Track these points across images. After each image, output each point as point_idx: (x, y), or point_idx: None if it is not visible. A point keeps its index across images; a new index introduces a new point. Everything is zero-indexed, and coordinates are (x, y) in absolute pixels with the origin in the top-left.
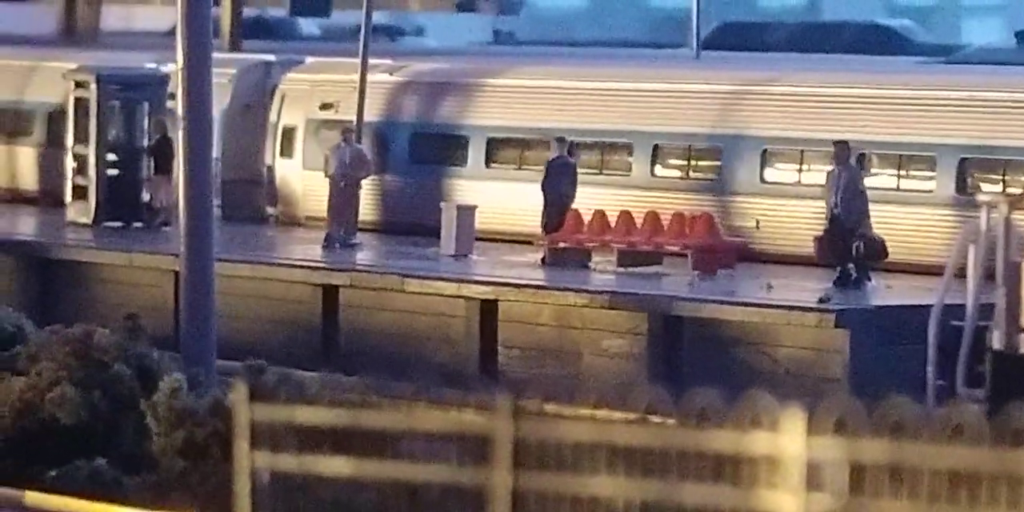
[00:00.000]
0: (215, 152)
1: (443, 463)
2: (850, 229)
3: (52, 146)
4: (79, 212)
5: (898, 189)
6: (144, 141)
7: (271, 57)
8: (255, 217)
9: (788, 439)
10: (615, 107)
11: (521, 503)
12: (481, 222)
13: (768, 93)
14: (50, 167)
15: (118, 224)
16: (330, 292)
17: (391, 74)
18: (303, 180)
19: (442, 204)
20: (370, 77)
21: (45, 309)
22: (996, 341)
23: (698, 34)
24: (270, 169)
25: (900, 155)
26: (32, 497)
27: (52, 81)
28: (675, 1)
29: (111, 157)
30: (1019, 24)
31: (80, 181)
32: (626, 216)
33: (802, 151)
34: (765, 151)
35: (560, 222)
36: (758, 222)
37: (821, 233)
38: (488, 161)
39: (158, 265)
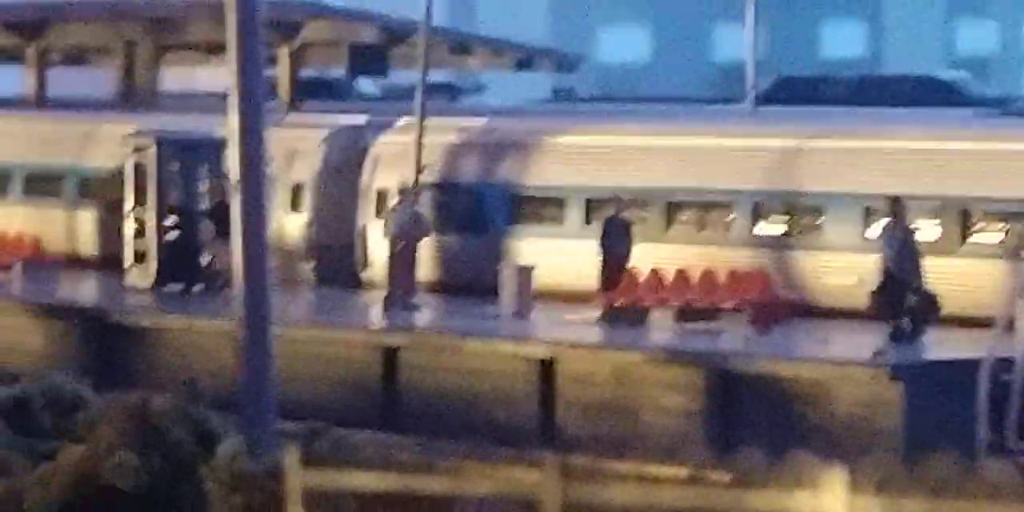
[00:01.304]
0: (307, 216)
1: None
2: (904, 283)
3: (111, 210)
4: (139, 276)
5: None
6: (203, 204)
7: (362, 119)
8: (349, 281)
9: (830, 498)
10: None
11: None
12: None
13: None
14: (110, 231)
15: (178, 287)
16: (389, 353)
17: (485, 134)
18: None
19: (501, 265)
20: (458, 138)
21: (105, 374)
22: None
23: (755, 88)
24: (363, 232)
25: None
26: None
27: (111, 145)
28: (737, 52)
29: (170, 221)
30: None
31: (140, 245)
32: (681, 274)
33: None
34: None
35: (617, 280)
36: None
37: (875, 287)
38: (587, 220)
39: (218, 329)
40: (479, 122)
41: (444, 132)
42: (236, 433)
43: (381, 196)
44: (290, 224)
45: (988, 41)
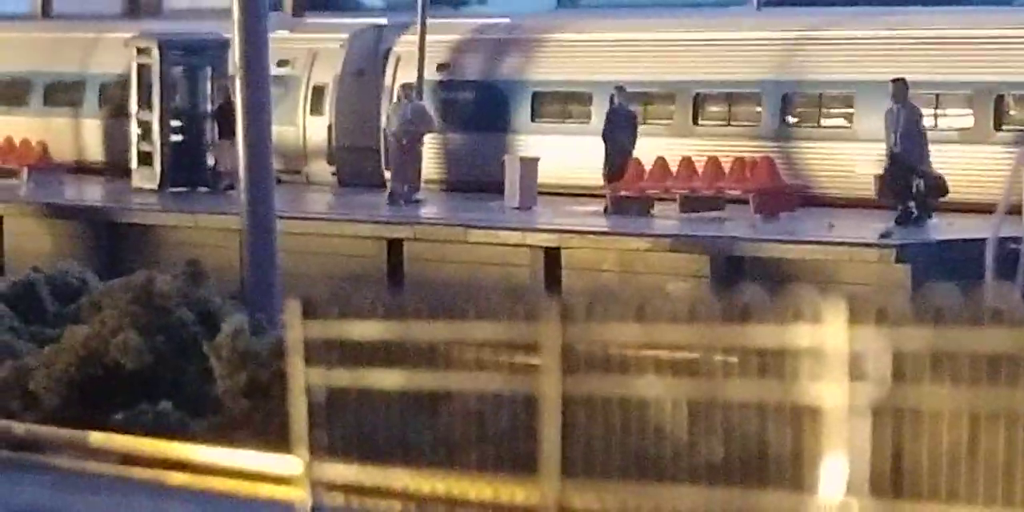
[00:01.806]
0: (329, 119)
1: (493, 371)
2: (910, 167)
3: (117, 115)
4: (145, 178)
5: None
6: (207, 106)
7: (383, 20)
8: (372, 183)
9: (830, 330)
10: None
11: (570, 407)
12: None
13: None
14: (116, 136)
15: (184, 189)
16: (394, 246)
17: (508, 32)
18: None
19: (505, 157)
20: (481, 36)
21: (112, 271)
22: None
23: None
24: (385, 133)
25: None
26: (96, 437)
27: (116, 52)
28: None
29: (175, 123)
30: None
31: (145, 147)
32: (687, 163)
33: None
34: None
35: (622, 171)
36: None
37: (881, 172)
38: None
39: (223, 225)
40: (494, 22)
41: (458, 31)
42: (239, 314)
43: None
44: (311, 127)
45: None
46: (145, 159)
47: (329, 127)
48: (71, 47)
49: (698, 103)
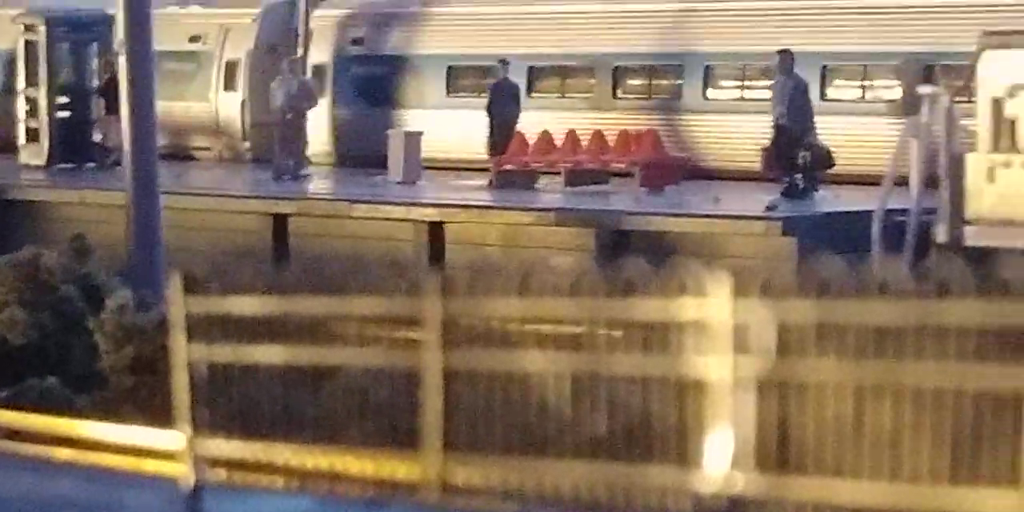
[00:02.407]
0: (242, 95)
1: (375, 346)
2: (796, 139)
3: (4, 92)
4: (32, 154)
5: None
6: (94, 82)
7: None
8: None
9: (714, 303)
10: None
11: (452, 382)
12: None
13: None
14: (3, 113)
15: (71, 165)
16: (279, 221)
17: (423, 4)
18: (331, 119)
19: (389, 131)
20: (395, 9)
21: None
22: (940, 235)
23: None
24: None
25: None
26: None
27: (1, 28)
28: None
29: (62, 99)
30: None
31: (32, 124)
32: (572, 136)
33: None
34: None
35: (506, 145)
36: None
37: (767, 144)
38: (530, 91)
39: (109, 201)
40: None
41: (372, 5)
42: (124, 289)
43: (318, 71)
44: (224, 103)
45: None
46: (32, 135)
47: (242, 103)
48: None
49: (618, 75)
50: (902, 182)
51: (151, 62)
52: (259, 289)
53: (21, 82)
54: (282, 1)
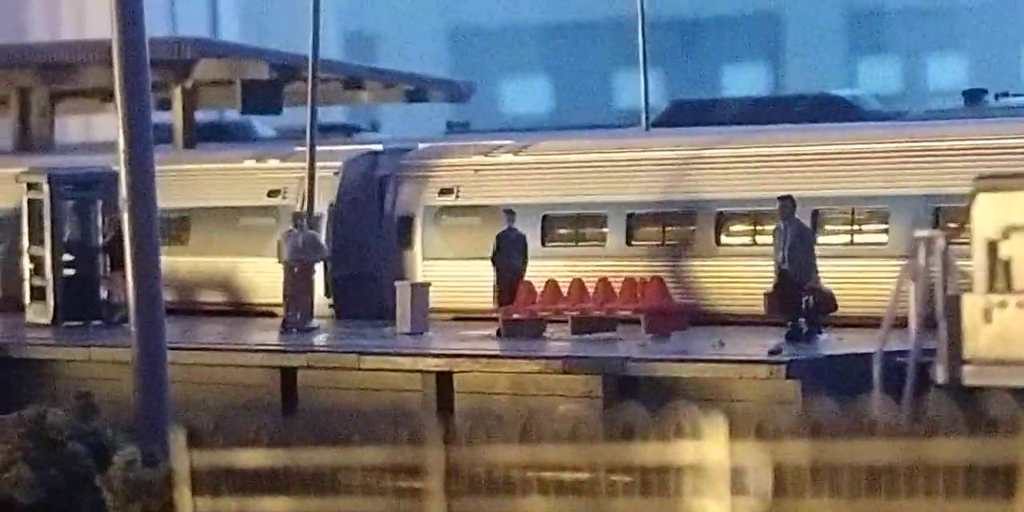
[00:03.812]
0: (326, 250)
1: (380, 496)
2: (799, 283)
3: (9, 251)
4: (38, 313)
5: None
6: (99, 239)
7: (378, 146)
8: (373, 313)
9: (711, 446)
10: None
11: None
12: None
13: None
14: (9, 272)
15: (78, 323)
16: (288, 374)
17: (515, 154)
18: (423, 270)
19: (396, 283)
20: (491, 158)
21: (6, 407)
22: (939, 375)
23: (647, 109)
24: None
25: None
26: None
27: (5, 187)
28: (639, 98)
29: (67, 257)
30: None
31: (37, 282)
32: (578, 284)
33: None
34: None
35: (513, 294)
36: None
37: (771, 288)
38: (628, 239)
39: (116, 358)
40: (499, 143)
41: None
42: (131, 445)
43: (406, 223)
44: None
45: (891, 78)
46: (38, 294)
47: (325, 260)
48: None
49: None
50: (901, 324)
51: (154, 218)
52: (263, 441)
53: (25, 240)
54: (363, 153)
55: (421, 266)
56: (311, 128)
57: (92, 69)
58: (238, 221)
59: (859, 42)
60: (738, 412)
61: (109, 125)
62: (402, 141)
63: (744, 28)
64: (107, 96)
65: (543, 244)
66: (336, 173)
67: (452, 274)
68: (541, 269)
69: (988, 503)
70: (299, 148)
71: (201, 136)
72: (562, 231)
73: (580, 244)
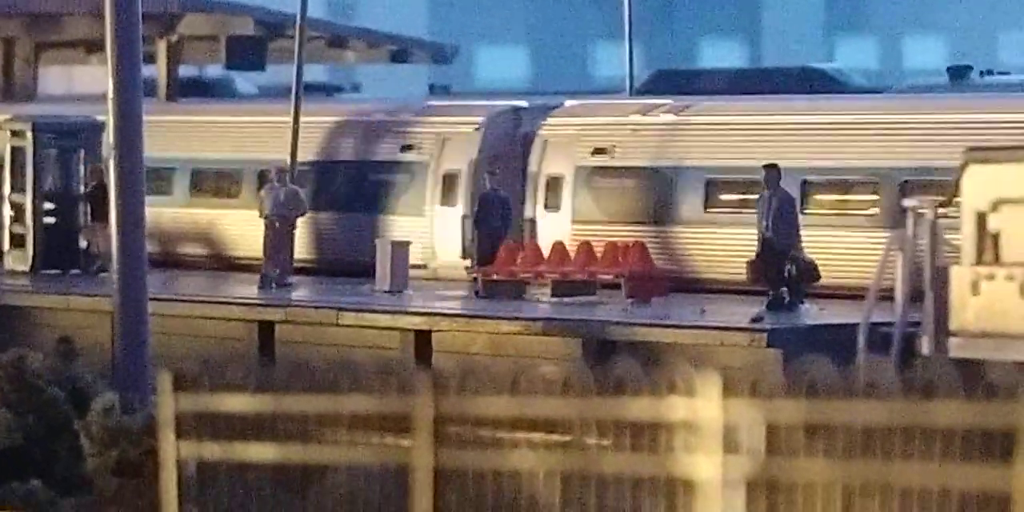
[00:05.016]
0: (463, 209)
1: (366, 445)
2: (782, 252)
3: None
4: (17, 260)
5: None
6: (80, 189)
7: (522, 102)
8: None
9: (704, 403)
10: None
11: (443, 480)
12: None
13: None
14: None
15: (56, 271)
16: (265, 328)
17: (676, 114)
18: (572, 233)
19: (376, 241)
20: (647, 118)
21: None
22: (925, 347)
23: (631, 75)
24: (532, 222)
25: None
26: None
27: None
28: (617, 70)
29: (48, 205)
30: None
31: (18, 230)
32: (560, 247)
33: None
34: None
35: (493, 255)
36: None
37: (753, 257)
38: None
39: (95, 307)
40: (655, 102)
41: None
42: (110, 392)
43: (553, 184)
44: (441, 218)
45: (868, 56)
46: (18, 241)
47: (463, 217)
48: None
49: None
50: (887, 295)
51: (141, 169)
52: (249, 387)
53: (7, 187)
54: (506, 109)
55: (571, 229)
56: (297, 85)
57: (78, 20)
58: (369, 177)
59: (837, 19)
60: (729, 369)
61: (90, 78)
62: (533, 98)
63: (722, 2)
64: (92, 47)
65: (705, 210)
66: (477, 128)
67: (604, 238)
68: (704, 236)
69: (985, 467)
70: (435, 103)
71: (182, 92)
72: (725, 197)
73: (744, 211)
